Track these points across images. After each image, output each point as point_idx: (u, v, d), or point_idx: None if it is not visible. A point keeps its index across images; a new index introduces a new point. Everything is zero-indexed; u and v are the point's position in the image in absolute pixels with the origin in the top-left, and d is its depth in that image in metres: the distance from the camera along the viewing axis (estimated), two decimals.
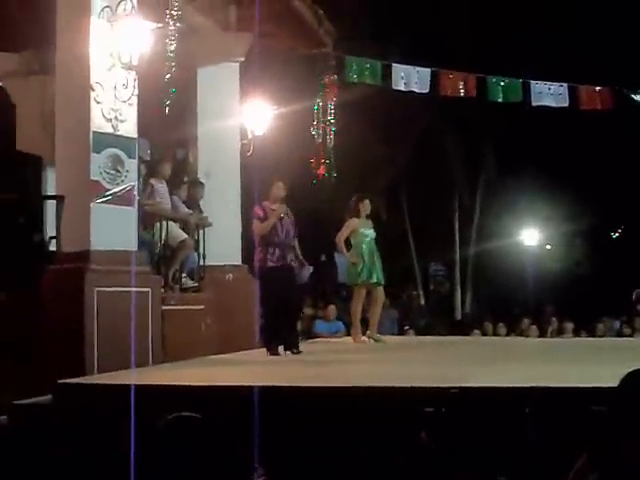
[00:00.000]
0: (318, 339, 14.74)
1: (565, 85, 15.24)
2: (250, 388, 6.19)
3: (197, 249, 11.91)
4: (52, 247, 9.88)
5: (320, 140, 14.06)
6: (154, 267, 10.63)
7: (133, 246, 9.35)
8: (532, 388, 6.13)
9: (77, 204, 9.05)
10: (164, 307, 9.84)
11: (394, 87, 14.88)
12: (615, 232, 32.26)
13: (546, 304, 22.56)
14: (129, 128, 9.29)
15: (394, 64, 14.85)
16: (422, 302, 26.50)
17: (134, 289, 8.74)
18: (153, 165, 11.85)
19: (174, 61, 9.53)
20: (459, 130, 24.81)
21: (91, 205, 8.88)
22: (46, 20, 9.64)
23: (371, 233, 12.45)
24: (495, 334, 17.88)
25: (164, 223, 11.24)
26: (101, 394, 6.93)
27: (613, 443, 3.23)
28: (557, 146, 24.65)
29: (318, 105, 14.11)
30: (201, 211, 12.30)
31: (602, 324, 18.22)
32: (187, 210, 12.03)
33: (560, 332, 18.12)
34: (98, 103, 8.97)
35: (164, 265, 11.20)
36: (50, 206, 10.13)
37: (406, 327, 18.78)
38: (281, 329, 10.30)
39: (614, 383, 3.45)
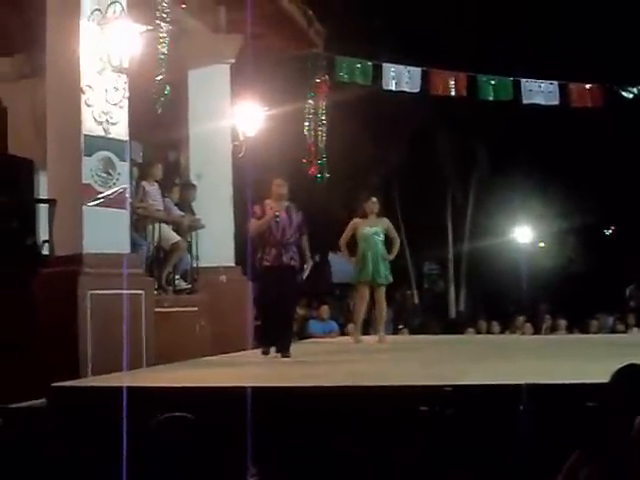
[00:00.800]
0: (311, 339, 14.74)
1: (555, 83, 15.24)
2: (243, 389, 6.19)
3: (190, 251, 11.92)
4: (45, 251, 9.87)
5: (312, 140, 14.06)
6: (147, 269, 10.63)
7: (126, 249, 9.36)
8: (526, 385, 6.13)
9: (69, 207, 9.05)
10: (157, 309, 9.83)
11: (385, 87, 14.87)
12: (608, 229, 32.29)
13: (540, 301, 22.59)
14: (120, 131, 9.28)
15: (385, 64, 14.84)
16: (416, 301, 26.53)
17: (127, 291, 8.72)
18: (145, 167, 11.84)
19: (165, 63, 9.53)
20: (451, 129, 24.82)
21: (83, 208, 8.88)
22: (36, 23, 9.64)
23: (373, 231, 12.40)
24: (489, 332, 17.92)
25: (156, 225, 11.24)
26: (95, 397, 6.92)
27: (604, 438, 3.25)
28: (549, 144, 24.65)
29: (309, 105, 14.11)
30: (193, 213, 12.30)
31: (596, 321, 18.26)
32: (179, 212, 12.03)
33: (554, 329, 18.17)
34: (89, 106, 8.97)
35: (157, 267, 11.21)
36: (42, 209, 10.12)
37: (400, 326, 18.79)
38: (273, 330, 10.09)
39: (607, 379, 3.47)
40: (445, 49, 19.96)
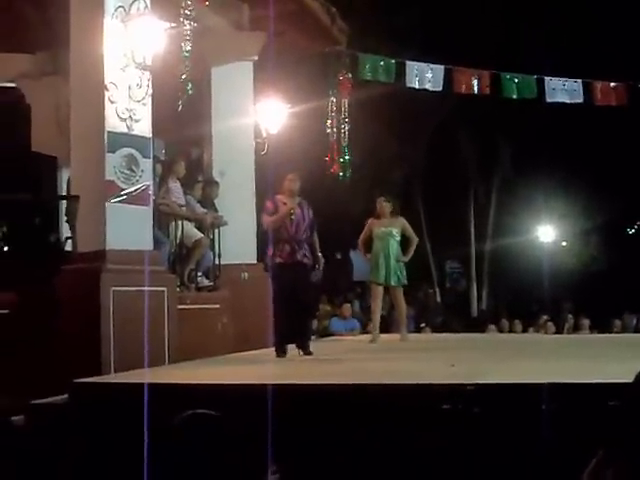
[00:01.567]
0: (333, 337, 14.73)
1: (580, 81, 15.15)
2: (264, 386, 6.20)
3: (212, 248, 11.92)
4: (68, 247, 9.91)
5: (334, 138, 14.04)
6: (169, 266, 10.65)
7: (148, 246, 9.38)
8: (549, 384, 6.10)
9: (92, 204, 9.08)
10: (180, 306, 9.85)
11: (408, 85, 14.82)
12: (631, 228, 32.14)
13: (562, 300, 22.51)
14: (143, 128, 9.31)
15: (408, 62, 14.79)
16: (438, 299, 26.50)
17: (150, 288, 8.75)
18: (168, 164, 11.85)
19: (188, 60, 9.55)
20: (474, 127, 24.77)
21: (106, 205, 8.90)
22: (60, 21, 9.69)
23: (387, 232, 12.33)
24: (511, 331, 17.87)
25: (179, 222, 11.26)
26: (117, 393, 6.94)
27: (628, 439, 3.22)
28: (572, 142, 24.56)
29: (332, 103, 14.09)
30: (216, 210, 12.31)
31: (619, 320, 18.17)
32: (202, 209, 12.04)
33: (577, 328, 18.08)
34: (112, 103, 8.99)
35: (179, 264, 11.22)
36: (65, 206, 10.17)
37: (422, 325, 18.77)
38: (290, 328, 9.86)
39: (631, 379, 3.44)
40: (469, 47, 19.91)
